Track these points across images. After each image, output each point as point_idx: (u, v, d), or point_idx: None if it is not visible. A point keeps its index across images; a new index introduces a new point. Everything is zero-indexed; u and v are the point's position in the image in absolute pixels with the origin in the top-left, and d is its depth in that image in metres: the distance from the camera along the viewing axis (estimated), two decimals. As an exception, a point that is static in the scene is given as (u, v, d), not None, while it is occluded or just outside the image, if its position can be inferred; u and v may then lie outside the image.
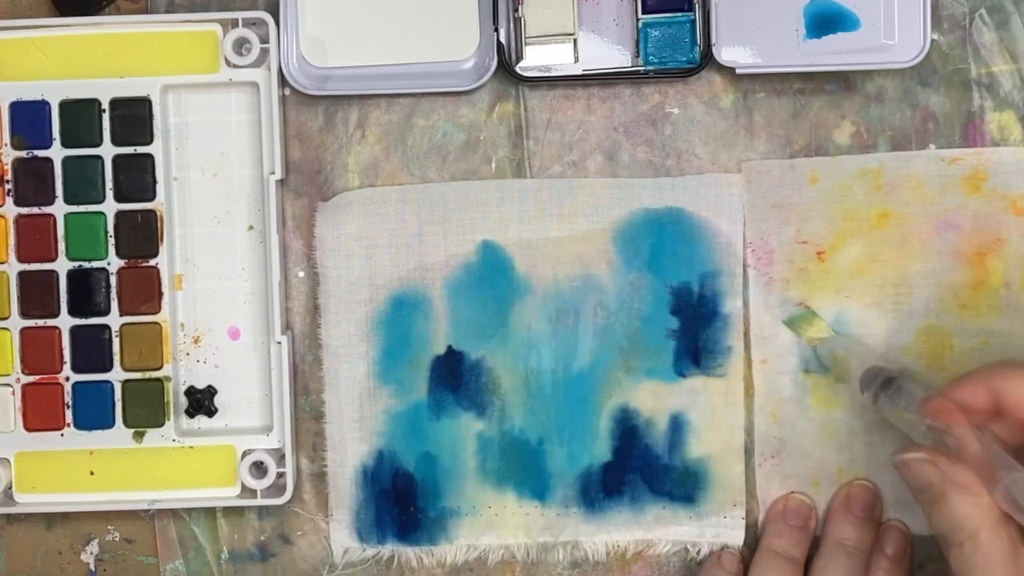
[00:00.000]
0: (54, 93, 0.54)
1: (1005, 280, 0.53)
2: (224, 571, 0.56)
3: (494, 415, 0.54)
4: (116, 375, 0.54)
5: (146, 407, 0.54)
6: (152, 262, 0.54)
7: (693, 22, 0.53)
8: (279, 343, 0.54)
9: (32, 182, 0.54)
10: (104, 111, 0.54)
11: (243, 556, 0.56)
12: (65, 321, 0.54)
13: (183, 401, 0.55)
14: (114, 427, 0.54)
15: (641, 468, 0.54)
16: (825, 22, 0.52)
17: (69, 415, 0.54)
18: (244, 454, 0.54)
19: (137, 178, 0.54)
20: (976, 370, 0.46)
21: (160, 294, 0.54)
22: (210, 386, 0.55)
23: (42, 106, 0.54)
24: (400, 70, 0.54)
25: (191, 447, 0.54)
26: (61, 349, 0.54)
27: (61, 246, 0.54)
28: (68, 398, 0.54)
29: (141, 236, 0.54)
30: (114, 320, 0.54)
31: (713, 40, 0.53)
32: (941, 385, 0.47)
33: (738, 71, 0.53)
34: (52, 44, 0.54)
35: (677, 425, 0.54)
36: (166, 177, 0.54)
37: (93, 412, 0.54)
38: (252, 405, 0.55)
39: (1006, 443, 0.44)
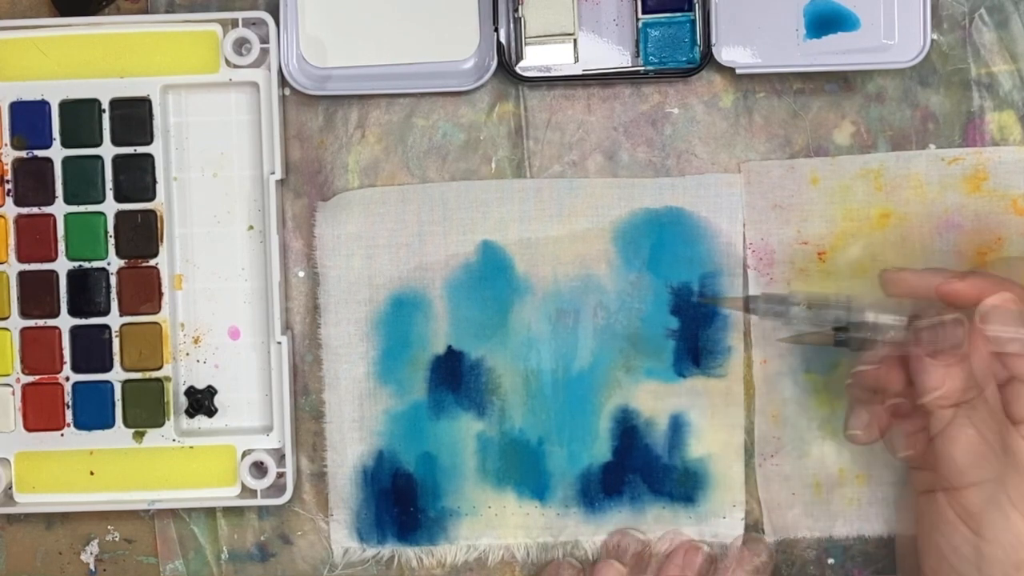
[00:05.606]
0: (54, 93, 0.54)
1: (1005, 280, 0.53)
2: (224, 571, 0.56)
3: (494, 415, 0.54)
4: (116, 375, 0.54)
5: (146, 407, 0.54)
6: (152, 262, 0.54)
7: (693, 22, 0.53)
8: (279, 343, 0.54)
9: (32, 182, 0.54)
10: (104, 111, 0.54)
11: (243, 556, 0.56)
12: (65, 321, 0.54)
13: (183, 401, 0.55)
14: (114, 427, 0.54)
15: (641, 468, 0.54)
16: (825, 22, 0.52)
17: (69, 415, 0.54)
18: (244, 454, 0.54)
19: (137, 178, 0.54)
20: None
21: (160, 294, 0.54)
22: (210, 386, 0.55)
23: (42, 106, 0.54)
24: (400, 70, 0.54)
25: (191, 447, 0.54)
26: (61, 349, 0.54)
27: (61, 246, 0.54)
28: (68, 398, 0.54)
29: (141, 236, 0.54)
30: (114, 320, 0.54)
31: (713, 40, 0.53)
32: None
33: (738, 71, 0.53)
34: (52, 44, 0.54)
35: (677, 425, 0.54)
36: (166, 177, 0.54)
37: (93, 412, 0.54)
38: (252, 405, 0.55)
39: None
